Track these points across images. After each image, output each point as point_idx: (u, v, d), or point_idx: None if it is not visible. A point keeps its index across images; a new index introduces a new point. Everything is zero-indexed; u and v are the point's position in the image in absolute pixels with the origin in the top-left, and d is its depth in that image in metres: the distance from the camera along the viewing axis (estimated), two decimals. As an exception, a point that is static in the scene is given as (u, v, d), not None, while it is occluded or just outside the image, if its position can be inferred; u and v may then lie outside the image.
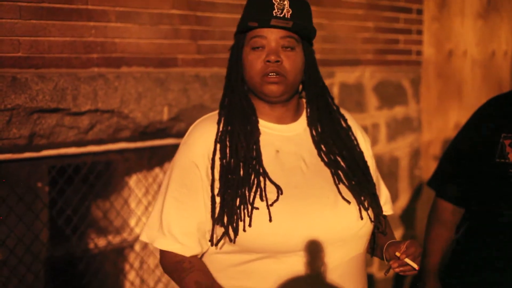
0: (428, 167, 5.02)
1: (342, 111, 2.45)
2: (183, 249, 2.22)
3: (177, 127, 3.48)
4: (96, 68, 3.22)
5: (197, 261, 2.24)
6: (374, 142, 4.64)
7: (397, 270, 2.19)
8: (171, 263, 2.25)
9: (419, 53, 5.18)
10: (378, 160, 4.68)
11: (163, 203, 2.26)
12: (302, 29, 2.24)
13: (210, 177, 2.21)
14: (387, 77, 4.86)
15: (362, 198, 2.26)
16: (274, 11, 2.20)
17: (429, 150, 5.34)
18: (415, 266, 2.17)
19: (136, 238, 3.74)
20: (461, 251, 3.06)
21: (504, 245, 2.84)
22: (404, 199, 5.09)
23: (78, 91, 3.11)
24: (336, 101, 4.24)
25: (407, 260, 2.17)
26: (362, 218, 2.23)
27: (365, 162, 2.38)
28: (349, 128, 2.41)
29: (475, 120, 3.01)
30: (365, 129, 4.50)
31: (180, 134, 3.38)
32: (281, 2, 2.21)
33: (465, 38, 5.67)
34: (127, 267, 3.78)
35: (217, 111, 2.34)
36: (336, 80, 4.38)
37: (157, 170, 3.74)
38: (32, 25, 2.98)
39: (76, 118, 3.14)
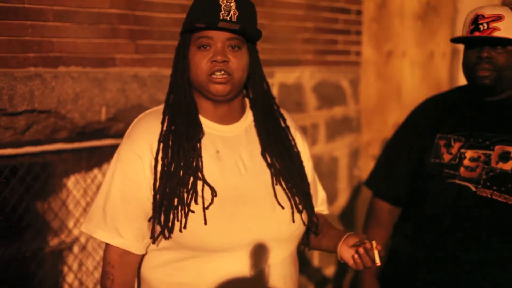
0: (367, 167, 5.06)
1: (282, 111, 2.53)
2: (124, 244, 2.25)
3: (115, 128, 3.46)
4: (33, 67, 3.17)
5: (127, 270, 2.29)
6: (313, 142, 4.66)
7: (361, 252, 2.25)
8: (116, 255, 2.27)
9: (358, 53, 5.23)
10: (318, 160, 4.71)
11: (107, 195, 2.27)
12: (248, 32, 2.29)
13: (153, 175, 2.24)
14: (326, 77, 4.90)
15: (297, 200, 2.33)
16: (221, 13, 2.23)
17: (368, 150, 5.39)
18: (378, 261, 2.24)
19: (75, 240, 3.71)
20: (395, 249, 3.10)
21: (435, 246, 2.88)
22: (343, 199, 5.13)
23: (14, 91, 3.07)
24: (276, 101, 4.25)
25: (376, 253, 2.23)
26: (294, 222, 2.31)
27: (301, 162, 2.47)
28: (287, 128, 2.48)
29: (411, 120, 3.06)
30: (304, 129, 4.53)
31: (119, 135, 3.35)
32: (228, 4, 2.24)
33: (404, 38, 5.73)
34: (65, 269, 3.74)
35: (161, 106, 2.38)
36: (276, 81, 4.39)
37: (95, 171, 3.70)
38: (-34, 24, 2.93)
39: (13, 119, 3.10)
